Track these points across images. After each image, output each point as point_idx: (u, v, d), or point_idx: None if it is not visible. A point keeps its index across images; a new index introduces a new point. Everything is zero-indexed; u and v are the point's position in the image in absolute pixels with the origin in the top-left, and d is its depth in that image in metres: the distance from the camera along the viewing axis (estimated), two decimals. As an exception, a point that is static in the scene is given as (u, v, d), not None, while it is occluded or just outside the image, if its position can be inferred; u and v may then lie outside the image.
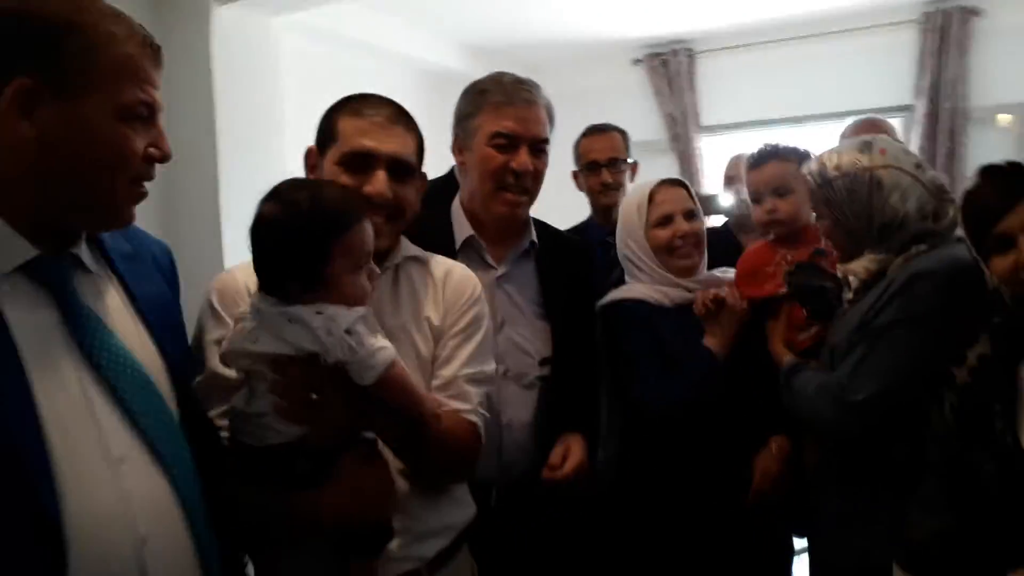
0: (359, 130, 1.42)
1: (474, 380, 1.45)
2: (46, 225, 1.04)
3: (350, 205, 1.28)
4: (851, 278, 1.66)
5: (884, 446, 1.57)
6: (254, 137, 3.09)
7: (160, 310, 1.21)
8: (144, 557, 1.01)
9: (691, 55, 4.97)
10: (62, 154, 1.00)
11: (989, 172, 1.42)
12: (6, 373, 0.94)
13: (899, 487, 1.55)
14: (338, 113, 1.46)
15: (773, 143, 1.94)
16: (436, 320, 1.46)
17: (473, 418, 1.43)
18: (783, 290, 1.83)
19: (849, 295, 1.67)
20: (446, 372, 1.44)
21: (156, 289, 1.23)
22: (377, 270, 1.33)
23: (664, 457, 1.86)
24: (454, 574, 1.46)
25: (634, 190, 2.04)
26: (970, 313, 1.46)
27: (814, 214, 1.73)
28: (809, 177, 1.66)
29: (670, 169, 4.78)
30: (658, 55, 5.00)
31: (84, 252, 1.11)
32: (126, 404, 1.04)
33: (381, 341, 1.24)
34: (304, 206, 1.22)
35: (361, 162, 1.41)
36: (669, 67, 4.99)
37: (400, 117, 1.47)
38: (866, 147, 1.62)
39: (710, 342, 1.84)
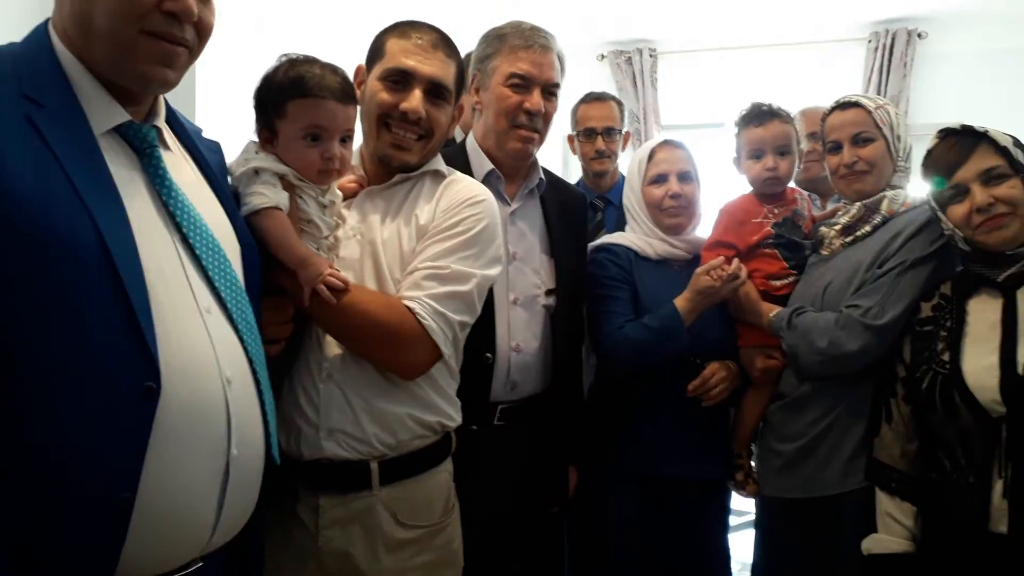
0: (403, 50, 1.54)
1: (434, 275, 1.44)
2: (122, 90, 1.09)
3: (325, 83, 1.39)
4: (833, 229, 1.87)
5: (867, 370, 1.74)
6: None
7: (223, 183, 1.30)
8: (228, 397, 1.08)
9: (654, 55, 5.18)
10: (84, 7, 1.04)
11: (945, 133, 1.63)
12: (117, 224, 1.01)
13: (870, 412, 1.73)
14: (388, 34, 1.58)
15: (766, 102, 2.03)
16: (423, 219, 1.52)
17: (411, 304, 1.42)
18: (770, 240, 1.96)
19: (837, 243, 1.87)
20: (411, 266, 1.48)
21: (218, 162, 1.32)
22: (333, 151, 1.40)
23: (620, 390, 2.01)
24: (421, 485, 1.50)
25: (642, 147, 2.17)
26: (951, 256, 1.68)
27: (867, 139, 1.84)
28: (869, 101, 1.87)
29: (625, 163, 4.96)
30: (623, 52, 5.20)
31: (166, 131, 1.19)
32: (204, 265, 1.12)
33: (270, 193, 1.36)
34: (283, 67, 1.42)
35: (400, 79, 1.52)
36: (633, 65, 5.19)
37: (443, 43, 1.57)
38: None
39: (680, 302, 1.91)
